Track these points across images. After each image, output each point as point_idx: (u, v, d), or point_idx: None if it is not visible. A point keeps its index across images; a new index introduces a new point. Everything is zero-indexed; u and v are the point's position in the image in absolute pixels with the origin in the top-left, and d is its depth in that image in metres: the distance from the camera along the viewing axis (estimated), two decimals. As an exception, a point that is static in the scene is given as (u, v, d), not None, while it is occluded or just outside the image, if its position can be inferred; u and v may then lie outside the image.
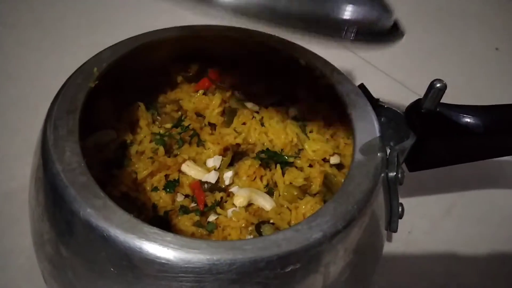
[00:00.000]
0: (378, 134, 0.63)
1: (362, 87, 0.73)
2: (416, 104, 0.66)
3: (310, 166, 0.73)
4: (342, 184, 0.57)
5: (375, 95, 0.73)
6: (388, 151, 0.64)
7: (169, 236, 0.47)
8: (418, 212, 0.93)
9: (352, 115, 0.66)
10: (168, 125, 0.75)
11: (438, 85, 0.63)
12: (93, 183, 0.52)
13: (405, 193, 0.85)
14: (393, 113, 0.70)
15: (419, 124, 0.66)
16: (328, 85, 0.72)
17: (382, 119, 0.71)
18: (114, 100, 0.76)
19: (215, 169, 0.70)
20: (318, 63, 0.75)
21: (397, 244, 0.88)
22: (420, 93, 0.65)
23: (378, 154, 0.61)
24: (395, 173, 0.61)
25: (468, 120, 0.67)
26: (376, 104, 0.70)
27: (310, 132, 0.75)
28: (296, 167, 0.72)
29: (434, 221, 0.94)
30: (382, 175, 0.60)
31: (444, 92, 0.63)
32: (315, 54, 0.76)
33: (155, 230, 0.48)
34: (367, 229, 0.58)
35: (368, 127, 0.64)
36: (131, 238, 0.47)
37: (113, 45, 0.72)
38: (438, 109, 0.65)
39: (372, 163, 0.59)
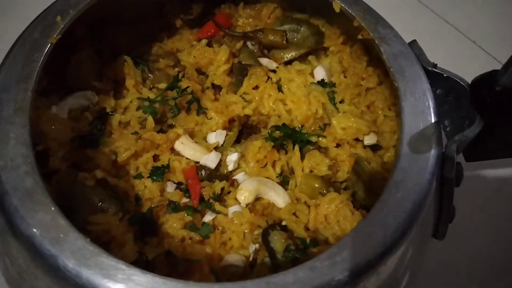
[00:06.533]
0: (433, 120, 0.47)
1: (414, 45, 0.55)
2: (489, 77, 0.48)
3: (338, 145, 0.57)
4: (382, 192, 0.42)
5: (430, 52, 0.55)
6: (444, 140, 0.48)
7: (136, 274, 0.35)
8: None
9: (400, 89, 0.49)
10: (162, 85, 0.60)
11: (527, 54, 0.44)
12: (41, 188, 0.38)
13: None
14: (454, 84, 0.52)
15: (491, 106, 0.48)
16: (369, 41, 0.55)
17: (438, 91, 0.54)
18: (94, 52, 0.61)
19: (216, 148, 0.56)
20: (357, 9, 0.56)
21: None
22: (499, 58, 0.47)
23: (433, 150, 0.45)
24: (453, 174, 0.46)
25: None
26: (432, 71, 0.53)
27: (340, 102, 0.58)
28: (320, 147, 0.57)
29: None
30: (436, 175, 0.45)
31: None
32: (354, -3, 0.57)
33: (118, 263, 0.35)
34: (409, 252, 0.44)
35: (420, 108, 0.48)
36: (87, 273, 0.35)
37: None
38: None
39: (424, 162, 0.44)
